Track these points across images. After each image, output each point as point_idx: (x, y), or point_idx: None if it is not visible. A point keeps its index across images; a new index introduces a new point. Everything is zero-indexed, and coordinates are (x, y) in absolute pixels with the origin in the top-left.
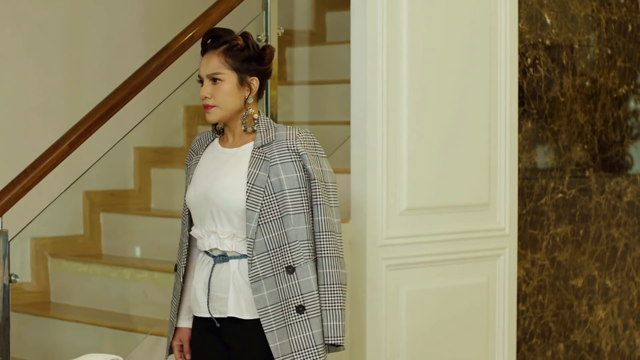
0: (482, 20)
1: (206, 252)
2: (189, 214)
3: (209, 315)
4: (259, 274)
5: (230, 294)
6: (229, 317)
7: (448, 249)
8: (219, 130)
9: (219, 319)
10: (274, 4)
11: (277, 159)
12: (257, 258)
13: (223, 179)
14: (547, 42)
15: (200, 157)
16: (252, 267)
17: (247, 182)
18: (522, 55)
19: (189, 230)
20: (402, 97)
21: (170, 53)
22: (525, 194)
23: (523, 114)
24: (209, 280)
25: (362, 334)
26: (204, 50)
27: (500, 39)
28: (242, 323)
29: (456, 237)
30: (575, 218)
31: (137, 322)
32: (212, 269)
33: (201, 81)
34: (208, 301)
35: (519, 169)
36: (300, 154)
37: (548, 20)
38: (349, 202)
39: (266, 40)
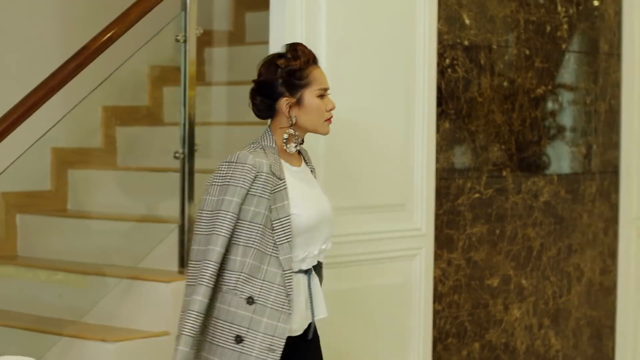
0: (401, 21)
1: (297, 271)
2: (289, 240)
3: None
4: None
5: (323, 299)
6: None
7: (365, 249)
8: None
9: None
10: (193, 4)
11: (314, 171)
12: None
13: (323, 196)
14: (466, 43)
15: (285, 182)
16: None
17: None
18: (440, 55)
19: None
20: None
21: (88, 53)
22: (442, 194)
23: (441, 115)
24: (310, 295)
25: None
26: (311, 65)
27: (419, 40)
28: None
29: (373, 238)
30: (492, 218)
31: (51, 324)
32: (309, 283)
33: (323, 95)
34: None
35: (436, 169)
36: None
37: (467, 21)
38: None
39: (184, 41)
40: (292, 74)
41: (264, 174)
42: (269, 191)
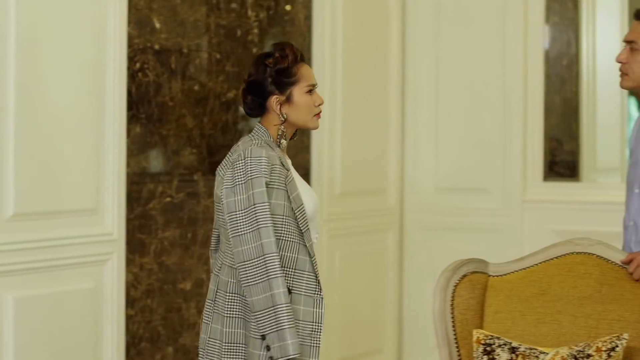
0: (91, 25)
1: None
2: (308, 227)
3: None
4: None
5: None
6: None
7: (56, 255)
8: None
9: None
10: None
11: None
12: None
13: (310, 187)
14: (156, 47)
15: (291, 172)
16: None
17: None
18: (130, 59)
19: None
20: (8, 99)
21: None
22: (134, 198)
23: (132, 119)
24: None
25: None
26: (298, 62)
27: (109, 44)
28: None
29: (64, 243)
30: (184, 222)
31: None
32: None
33: (312, 90)
34: None
35: (127, 174)
36: None
37: (157, 25)
38: None
39: None
40: (281, 73)
41: (277, 166)
42: (284, 182)
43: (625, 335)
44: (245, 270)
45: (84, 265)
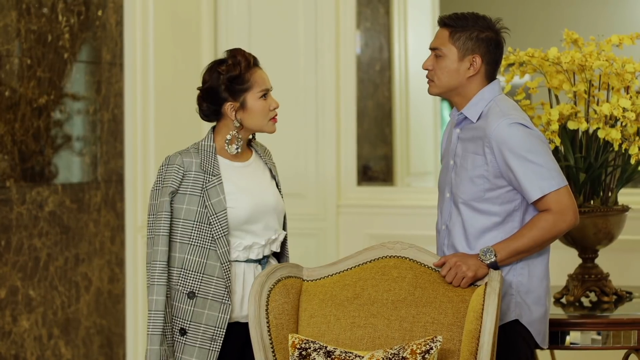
0: None
1: (245, 261)
2: (225, 233)
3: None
4: None
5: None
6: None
7: None
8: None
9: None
10: None
11: (273, 168)
12: None
13: (270, 189)
14: None
15: (219, 177)
16: None
17: (279, 188)
18: None
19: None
20: None
21: None
22: None
23: None
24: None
25: None
26: (251, 68)
27: None
28: None
29: None
30: None
31: None
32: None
33: (266, 95)
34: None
35: None
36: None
37: None
38: None
39: None
40: (234, 80)
41: (192, 173)
42: (200, 188)
43: (440, 338)
44: (147, 273)
45: None
